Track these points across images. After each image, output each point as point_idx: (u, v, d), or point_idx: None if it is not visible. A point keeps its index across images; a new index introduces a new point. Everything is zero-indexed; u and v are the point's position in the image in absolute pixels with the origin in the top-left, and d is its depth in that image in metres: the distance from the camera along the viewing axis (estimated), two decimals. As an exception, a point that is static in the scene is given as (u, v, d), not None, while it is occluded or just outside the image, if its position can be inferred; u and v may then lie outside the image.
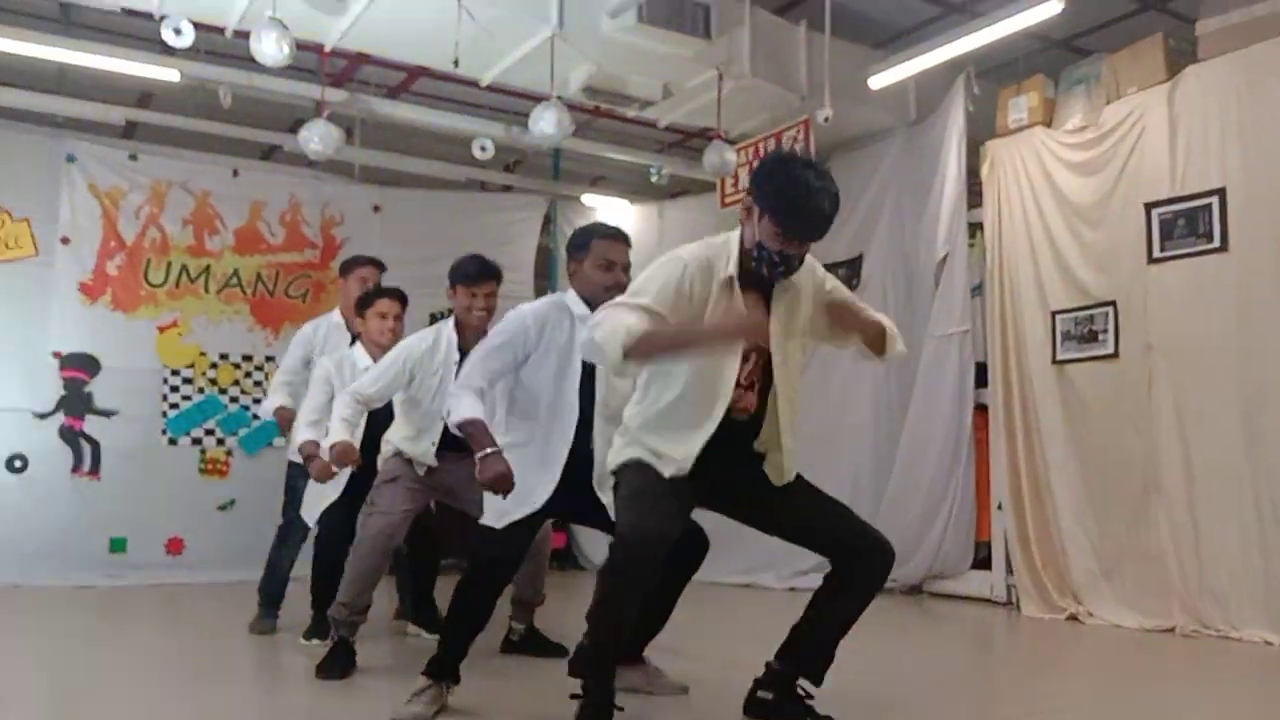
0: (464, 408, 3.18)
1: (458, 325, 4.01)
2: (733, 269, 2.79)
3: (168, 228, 7.07)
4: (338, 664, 3.76)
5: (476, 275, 3.99)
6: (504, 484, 3.09)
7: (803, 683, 2.95)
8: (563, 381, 3.28)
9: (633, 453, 2.85)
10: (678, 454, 2.78)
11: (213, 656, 4.31)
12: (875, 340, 2.95)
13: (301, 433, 4.29)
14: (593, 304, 3.33)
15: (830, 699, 2.94)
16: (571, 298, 3.40)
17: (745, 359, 2.81)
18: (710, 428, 2.77)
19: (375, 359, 4.40)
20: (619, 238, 3.43)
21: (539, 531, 4.09)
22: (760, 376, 2.86)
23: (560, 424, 3.27)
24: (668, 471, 2.77)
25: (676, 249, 2.87)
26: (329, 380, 4.38)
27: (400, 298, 4.57)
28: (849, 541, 2.87)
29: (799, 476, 2.95)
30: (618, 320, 2.64)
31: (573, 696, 2.72)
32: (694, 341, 2.72)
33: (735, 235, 2.86)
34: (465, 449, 3.88)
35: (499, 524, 3.21)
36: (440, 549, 4.71)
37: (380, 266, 5.07)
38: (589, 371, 3.28)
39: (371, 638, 4.24)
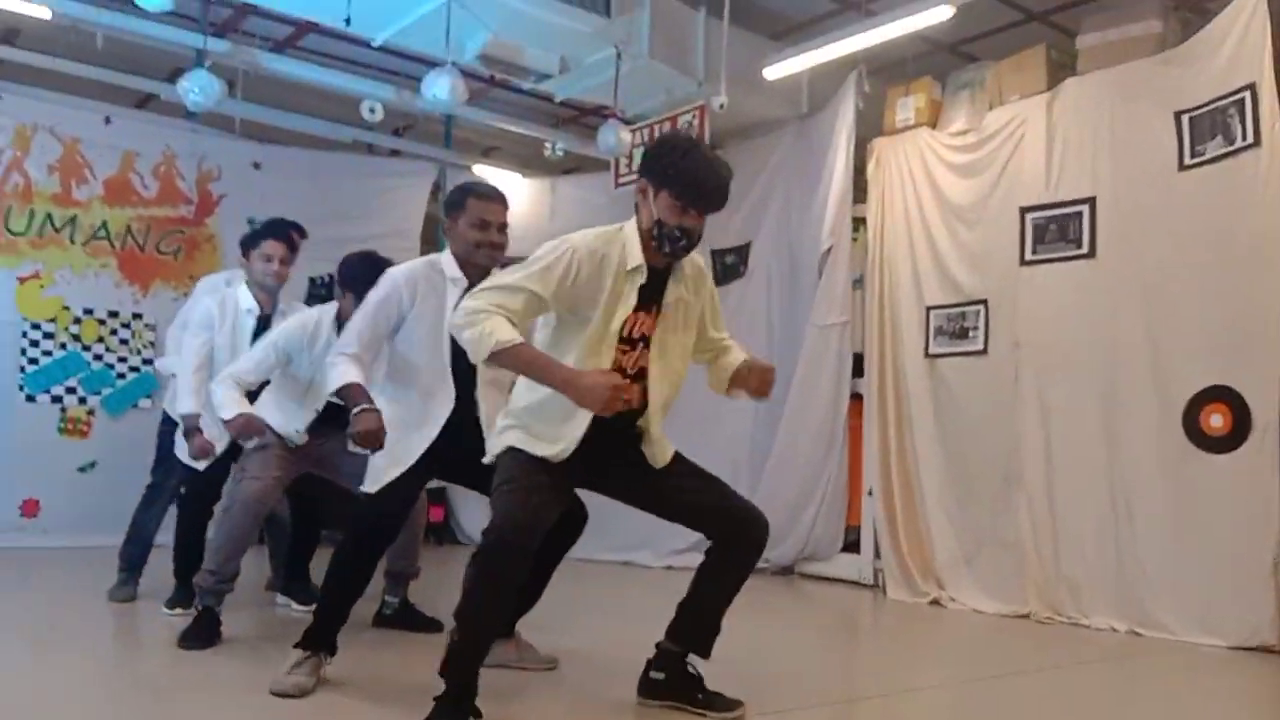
0: (340, 375, 3.22)
1: (339, 318, 3.93)
2: (638, 258, 2.80)
3: (32, 174, 6.69)
4: (202, 634, 3.65)
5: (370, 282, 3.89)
6: (374, 440, 3.13)
7: (692, 660, 3.00)
8: (439, 342, 3.26)
9: (513, 438, 2.83)
10: (560, 440, 2.78)
11: (69, 625, 4.14)
12: (723, 372, 3.06)
13: (183, 401, 4.17)
14: (465, 263, 3.34)
15: (705, 673, 3.01)
16: (446, 259, 3.39)
17: (633, 346, 2.83)
18: (587, 417, 2.77)
19: (259, 301, 4.32)
20: (495, 197, 3.44)
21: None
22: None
23: (439, 385, 3.27)
24: (547, 454, 2.77)
25: (570, 235, 2.86)
26: (210, 324, 4.26)
27: (288, 241, 4.40)
28: (725, 518, 2.93)
29: (678, 455, 2.99)
30: (490, 324, 2.64)
31: (436, 699, 2.64)
32: (550, 382, 2.69)
33: (631, 224, 2.87)
34: (337, 424, 3.82)
35: (375, 488, 3.19)
36: (323, 520, 4.62)
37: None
38: None
39: (238, 608, 4.13)
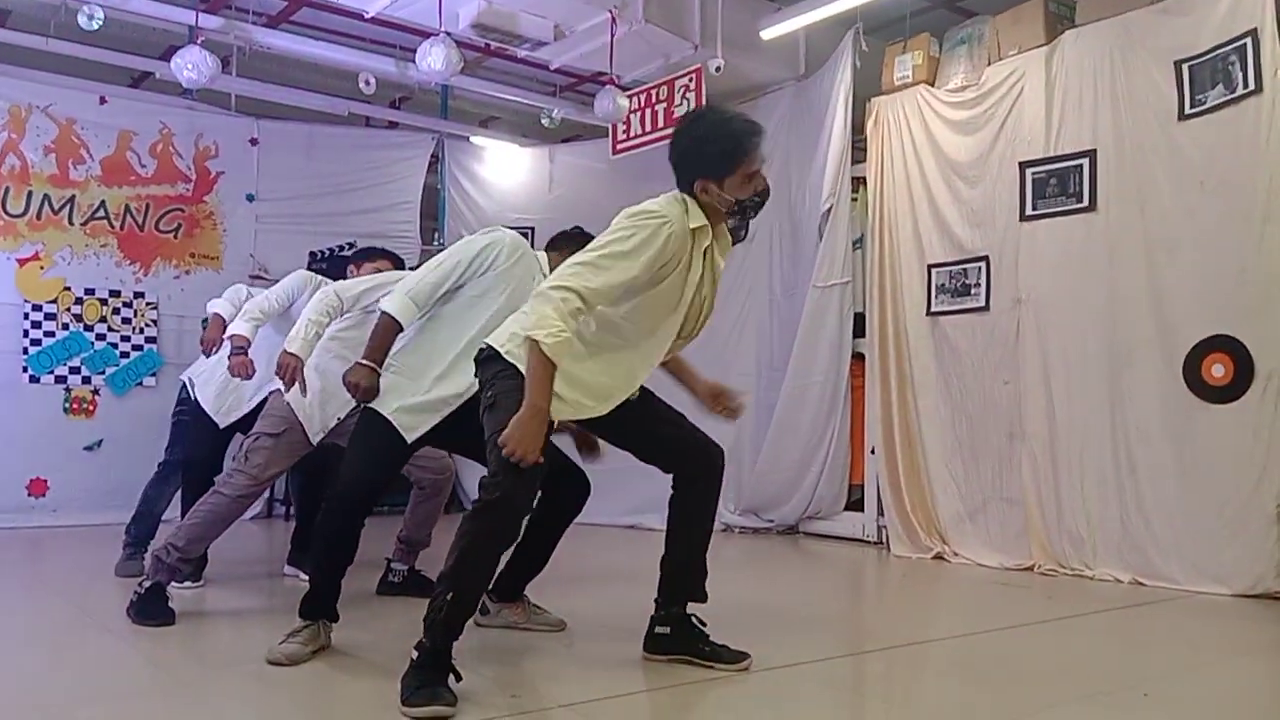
0: (396, 305, 3.21)
1: None
2: (701, 218, 2.81)
3: (28, 155, 6.68)
4: (158, 610, 3.53)
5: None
6: (361, 394, 3.16)
7: (695, 611, 3.04)
8: (497, 320, 3.17)
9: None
10: (589, 405, 2.78)
11: (78, 601, 4.17)
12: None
13: (237, 323, 4.11)
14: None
15: (711, 630, 3.04)
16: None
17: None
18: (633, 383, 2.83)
19: None
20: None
21: (440, 473, 4.08)
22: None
23: (464, 361, 3.18)
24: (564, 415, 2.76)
25: (651, 207, 2.78)
26: (296, 294, 4.23)
27: (398, 263, 4.48)
28: (682, 449, 3.01)
29: (643, 389, 3.02)
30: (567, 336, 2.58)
31: (413, 661, 2.59)
32: (530, 399, 2.59)
33: (694, 207, 2.82)
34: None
35: (410, 437, 3.19)
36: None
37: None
38: None
39: (249, 580, 4.17)
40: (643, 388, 3.01)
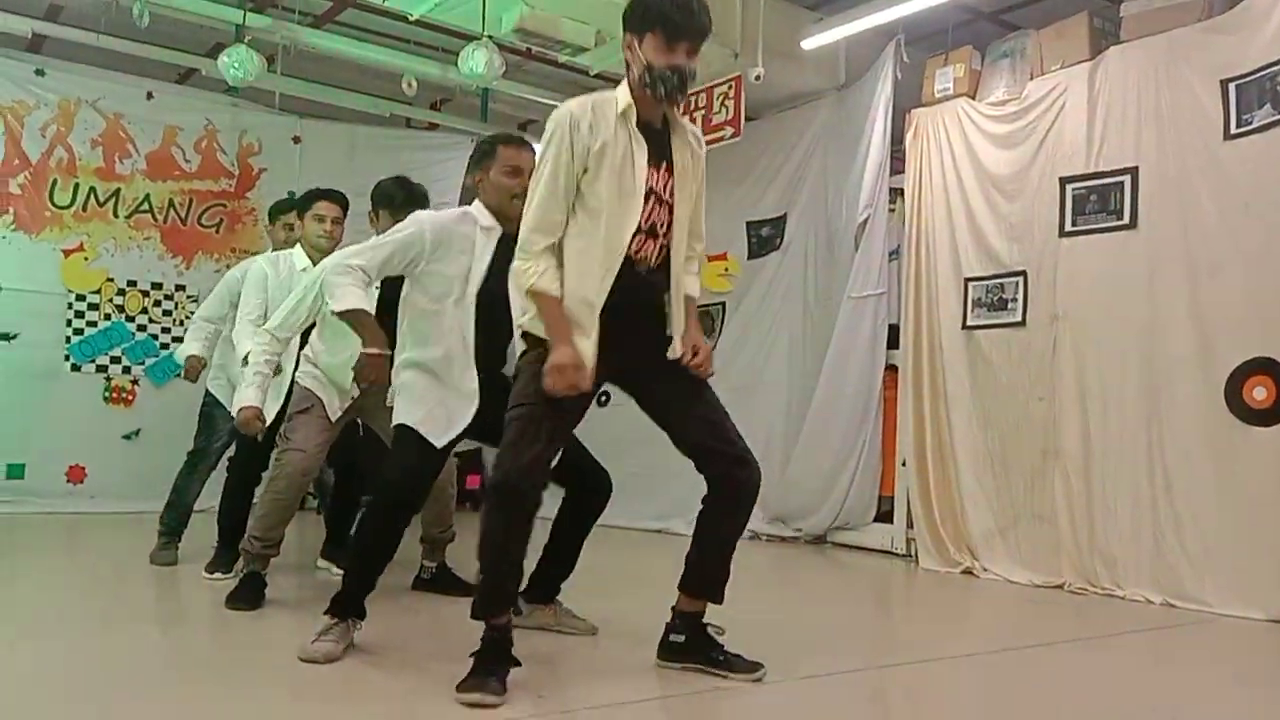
0: (346, 295, 3.23)
1: None
2: (626, 100, 2.78)
3: (76, 148, 6.83)
4: (248, 595, 3.75)
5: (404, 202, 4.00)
6: (377, 382, 3.29)
7: (710, 620, 3.03)
8: (463, 299, 3.25)
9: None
10: (584, 315, 2.72)
11: (114, 588, 4.23)
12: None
13: (247, 392, 4.00)
14: (499, 213, 3.33)
15: (731, 639, 3.03)
16: (477, 208, 3.38)
17: (647, 200, 2.79)
18: (610, 276, 2.74)
19: (314, 261, 4.34)
20: (523, 144, 3.44)
21: (442, 471, 4.11)
22: (664, 226, 2.85)
23: (459, 349, 3.24)
24: (580, 344, 2.71)
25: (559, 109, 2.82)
26: (264, 284, 4.34)
27: (340, 201, 4.48)
28: (719, 457, 2.90)
29: (702, 381, 2.95)
30: (542, 266, 2.72)
31: (474, 654, 2.68)
32: (551, 337, 2.70)
33: (622, 84, 2.85)
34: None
35: (439, 442, 3.22)
36: (364, 485, 4.67)
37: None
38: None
39: (280, 572, 4.19)
40: (697, 377, 2.94)
